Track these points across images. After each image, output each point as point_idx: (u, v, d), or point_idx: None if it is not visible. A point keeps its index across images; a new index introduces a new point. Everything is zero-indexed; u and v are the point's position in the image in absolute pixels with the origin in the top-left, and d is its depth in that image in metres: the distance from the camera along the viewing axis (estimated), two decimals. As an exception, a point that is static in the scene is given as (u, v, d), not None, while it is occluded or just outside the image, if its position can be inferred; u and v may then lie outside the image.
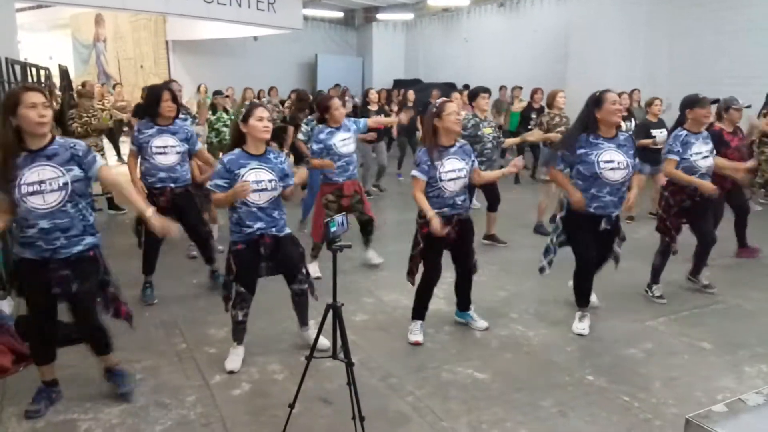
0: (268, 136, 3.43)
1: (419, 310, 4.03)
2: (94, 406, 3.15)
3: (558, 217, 4.28)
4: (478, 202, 5.68)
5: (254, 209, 3.43)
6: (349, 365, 2.70)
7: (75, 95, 10.28)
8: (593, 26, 11.79)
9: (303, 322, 3.82)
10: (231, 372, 3.52)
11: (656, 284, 4.76)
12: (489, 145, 5.79)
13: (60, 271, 2.89)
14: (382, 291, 4.93)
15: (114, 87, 11.61)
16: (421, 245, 3.88)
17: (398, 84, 17.18)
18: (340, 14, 18.93)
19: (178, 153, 4.48)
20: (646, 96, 7.92)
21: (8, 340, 3.57)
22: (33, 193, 2.77)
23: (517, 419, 3.08)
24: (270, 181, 3.43)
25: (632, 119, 7.87)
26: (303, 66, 19.17)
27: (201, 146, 4.85)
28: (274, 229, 3.50)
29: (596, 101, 3.91)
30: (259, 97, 11.71)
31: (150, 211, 3.04)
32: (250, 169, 3.40)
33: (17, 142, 2.78)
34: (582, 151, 3.92)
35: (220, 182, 3.41)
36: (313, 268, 5.12)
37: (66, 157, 2.86)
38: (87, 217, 2.97)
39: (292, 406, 2.77)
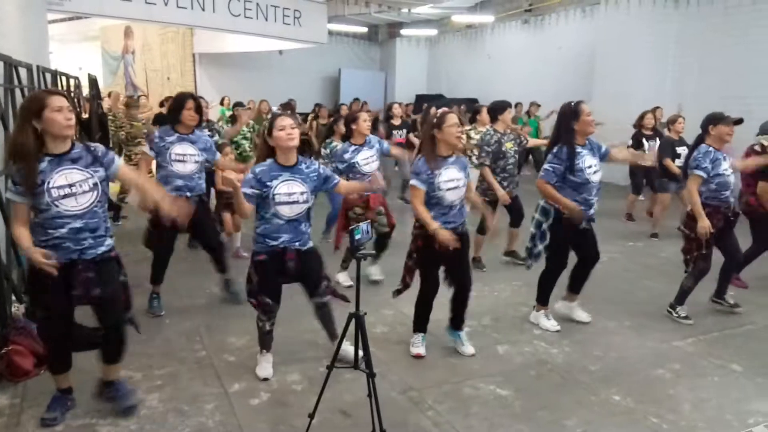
0: (294, 143, 3.33)
1: (420, 323, 3.97)
2: (113, 411, 3.13)
3: (545, 225, 4.24)
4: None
5: (283, 222, 3.37)
6: (371, 376, 2.66)
7: (106, 104, 10.66)
8: (620, 43, 11.64)
9: (332, 335, 3.70)
10: (265, 379, 3.51)
11: (681, 305, 4.64)
12: (512, 161, 5.72)
13: (85, 273, 2.89)
14: (401, 303, 4.84)
15: (139, 98, 11.72)
16: (415, 257, 3.81)
17: (420, 99, 17.19)
18: (365, 29, 19.06)
19: (196, 162, 4.49)
20: (671, 113, 7.82)
21: (30, 343, 3.58)
22: (65, 196, 2.80)
23: (541, 438, 3.00)
24: (302, 193, 3.36)
25: (657, 138, 7.73)
26: (326, 80, 19.29)
27: (219, 156, 4.86)
28: (298, 243, 3.43)
29: (574, 113, 4.06)
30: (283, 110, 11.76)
31: (163, 195, 3.18)
32: (282, 181, 3.33)
33: (39, 147, 2.78)
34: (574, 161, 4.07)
35: (248, 191, 3.29)
36: (344, 277, 5.24)
37: (89, 160, 2.90)
38: (106, 218, 3.02)
39: (312, 416, 2.73)
